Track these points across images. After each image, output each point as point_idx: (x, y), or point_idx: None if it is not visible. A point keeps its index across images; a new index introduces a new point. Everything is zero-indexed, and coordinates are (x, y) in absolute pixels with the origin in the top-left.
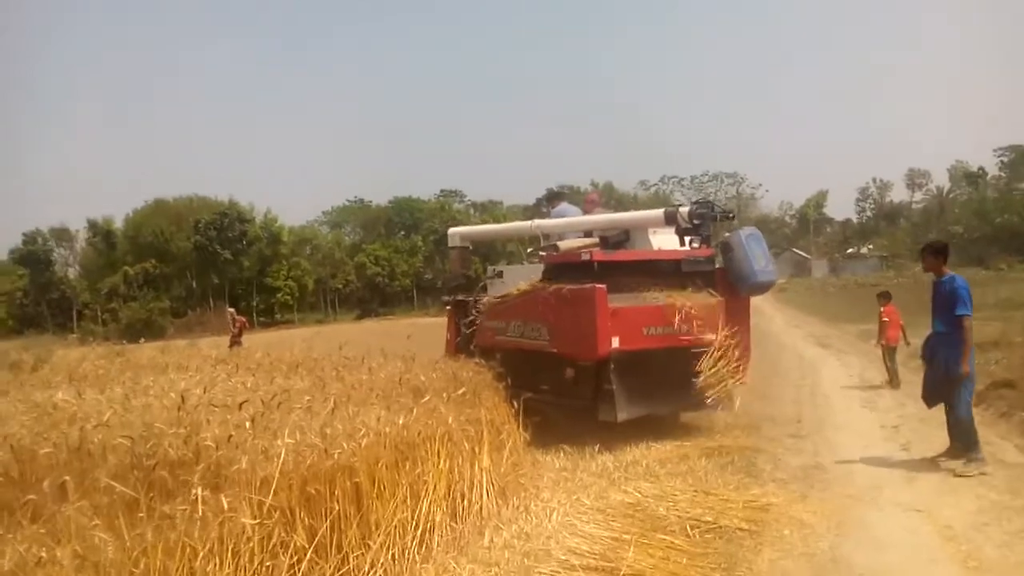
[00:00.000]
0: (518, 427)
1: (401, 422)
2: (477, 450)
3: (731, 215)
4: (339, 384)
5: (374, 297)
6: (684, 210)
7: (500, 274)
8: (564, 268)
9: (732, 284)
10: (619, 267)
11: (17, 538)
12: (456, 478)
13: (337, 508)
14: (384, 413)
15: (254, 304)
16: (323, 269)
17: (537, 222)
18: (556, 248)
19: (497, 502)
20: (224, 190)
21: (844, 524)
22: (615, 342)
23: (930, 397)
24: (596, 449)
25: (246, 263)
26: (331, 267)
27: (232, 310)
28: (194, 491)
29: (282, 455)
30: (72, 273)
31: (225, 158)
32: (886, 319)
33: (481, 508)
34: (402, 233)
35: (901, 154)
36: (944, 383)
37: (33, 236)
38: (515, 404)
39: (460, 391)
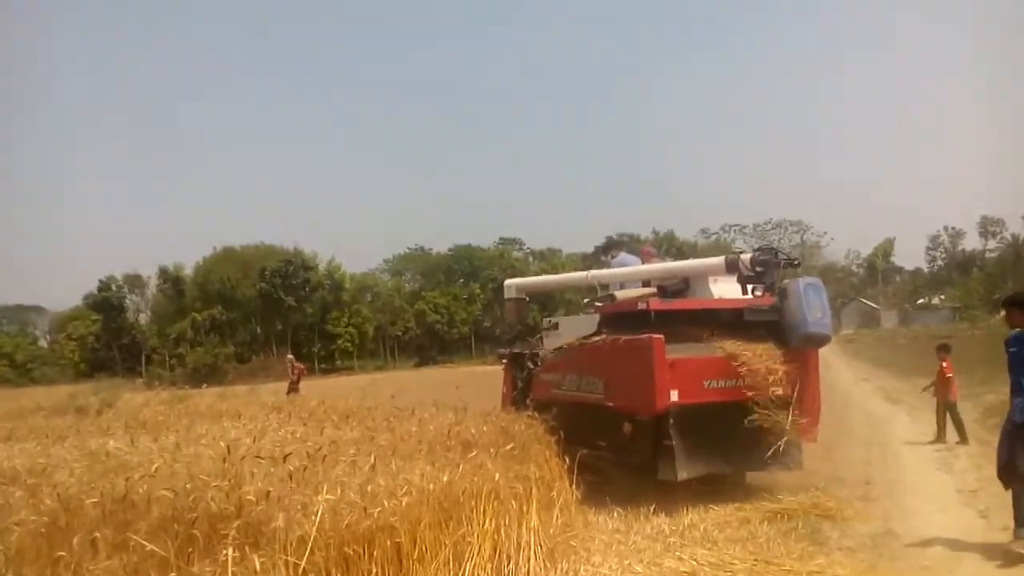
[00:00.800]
0: (570, 484)
1: (446, 479)
2: (525, 509)
3: (796, 262)
4: (388, 435)
5: (433, 344)
6: (746, 257)
7: (556, 325)
8: (620, 318)
9: (784, 333)
10: (678, 317)
11: None
12: (502, 539)
13: (375, 570)
14: (429, 469)
15: (315, 350)
16: (383, 316)
17: (593, 272)
18: (612, 298)
19: (545, 565)
20: (289, 238)
21: None
22: (674, 396)
23: (1009, 473)
24: (651, 510)
25: (309, 310)
26: (391, 314)
27: (291, 357)
28: (224, 552)
29: (319, 513)
30: (143, 319)
31: (291, 206)
32: (950, 374)
33: (528, 572)
34: (461, 281)
35: (974, 201)
36: None
37: (107, 283)
38: (569, 460)
39: (509, 446)
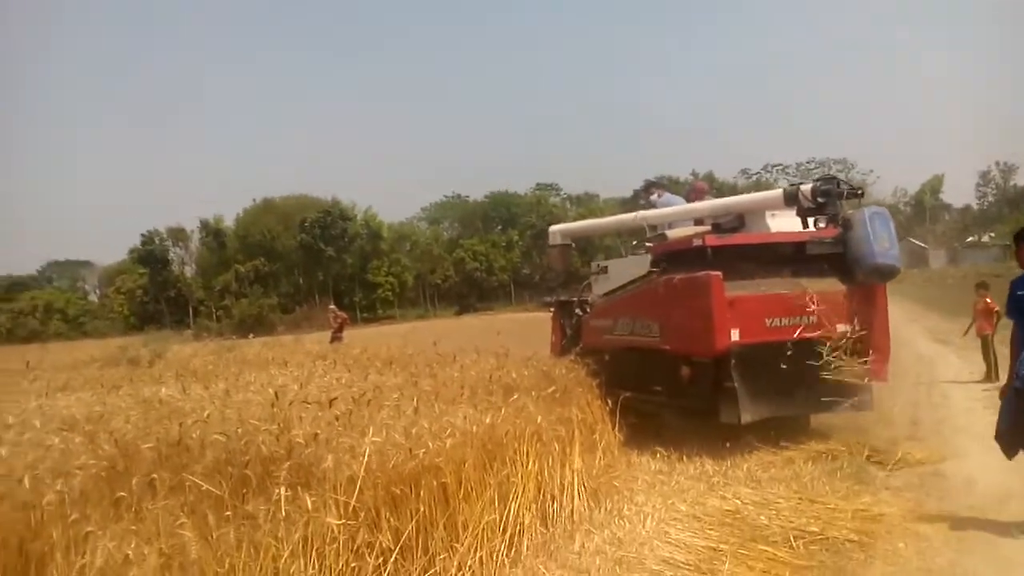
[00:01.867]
0: (612, 427)
1: (488, 421)
2: (568, 450)
3: (860, 191)
4: (430, 381)
5: (472, 292)
6: (806, 187)
7: (605, 269)
8: (674, 257)
9: (848, 267)
10: (736, 253)
11: (107, 535)
12: (546, 480)
13: (423, 509)
14: (471, 412)
15: (356, 300)
16: (422, 265)
17: (642, 213)
18: (664, 237)
19: (589, 505)
20: (327, 189)
21: (965, 539)
22: (734, 335)
23: (1009, 439)
24: (694, 451)
25: (349, 260)
26: (430, 263)
27: (333, 307)
28: (278, 490)
29: (366, 454)
30: (188, 271)
31: (328, 157)
32: (995, 307)
33: (572, 511)
34: (499, 228)
35: None
36: None
37: (151, 236)
38: (619, 406)
39: (551, 389)
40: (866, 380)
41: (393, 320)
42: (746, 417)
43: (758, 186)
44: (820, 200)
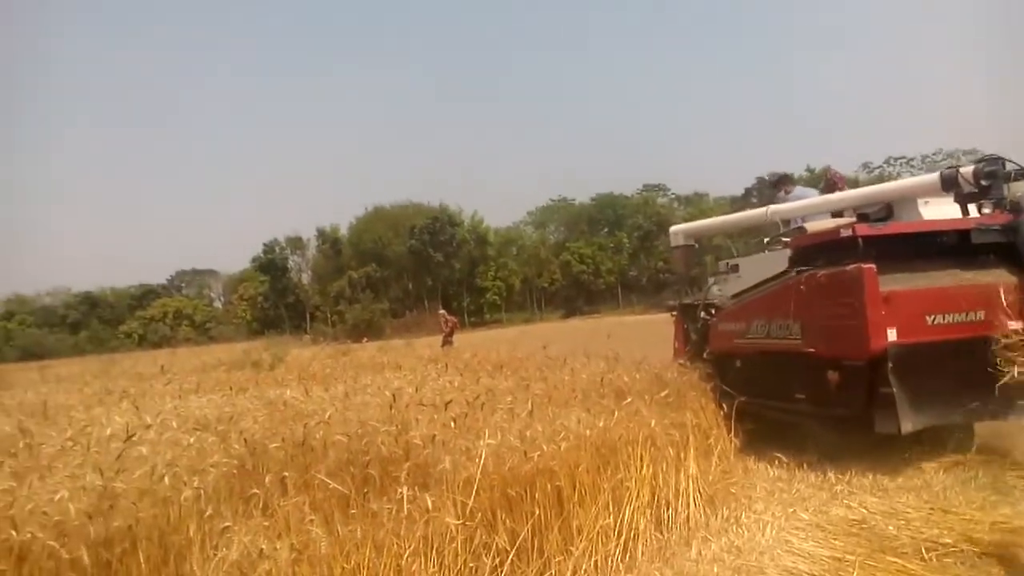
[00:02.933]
0: (728, 432)
1: (602, 424)
2: (683, 456)
3: None
4: (541, 384)
5: (579, 295)
6: (967, 170)
7: (735, 268)
8: (818, 250)
9: (1019, 256)
10: (889, 243)
11: (243, 530)
12: (660, 485)
13: (538, 512)
14: (584, 415)
15: (464, 304)
16: (529, 269)
17: (773, 208)
18: (803, 231)
19: (705, 511)
20: (435, 195)
21: None
22: (891, 334)
23: None
24: (816, 458)
25: (457, 265)
26: (536, 266)
27: (443, 311)
28: (400, 490)
29: (482, 456)
30: (305, 278)
31: (436, 164)
32: None
33: (688, 517)
34: (606, 230)
35: None
36: None
37: (272, 245)
38: (735, 410)
39: (664, 393)
40: None
41: (500, 324)
42: (907, 426)
43: (881, 180)
44: (984, 183)
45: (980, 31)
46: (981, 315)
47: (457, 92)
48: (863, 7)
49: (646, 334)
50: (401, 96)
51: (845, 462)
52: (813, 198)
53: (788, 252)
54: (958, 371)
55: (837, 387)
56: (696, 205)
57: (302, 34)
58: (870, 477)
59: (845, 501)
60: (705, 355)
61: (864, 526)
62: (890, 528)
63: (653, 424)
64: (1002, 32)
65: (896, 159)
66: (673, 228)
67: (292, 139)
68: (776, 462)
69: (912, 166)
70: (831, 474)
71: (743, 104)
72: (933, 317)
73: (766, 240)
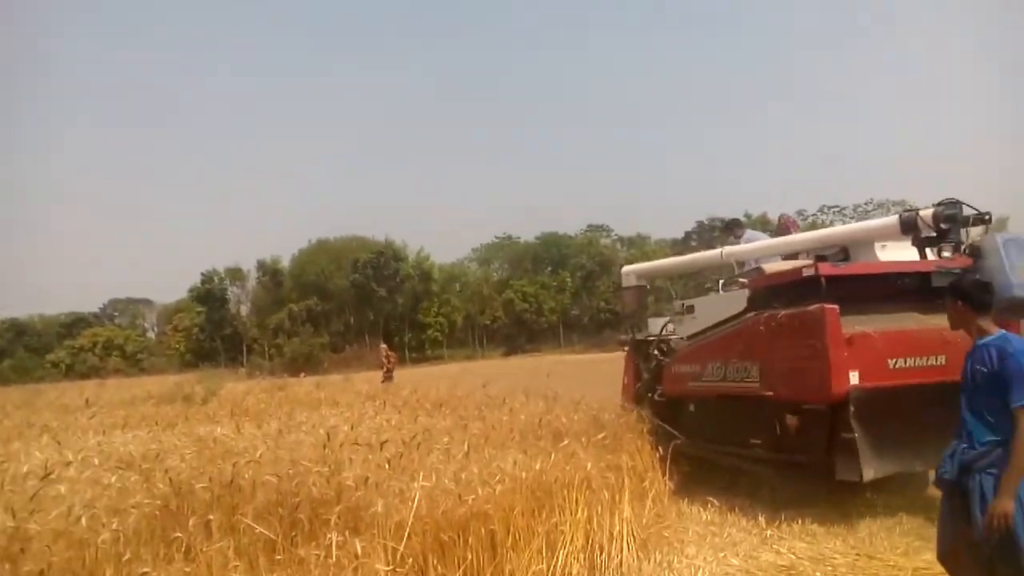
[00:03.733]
0: (663, 475)
1: (538, 467)
2: (618, 499)
3: (987, 216)
4: (479, 424)
5: (521, 333)
6: (927, 212)
7: (690, 309)
8: (777, 291)
9: None
10: (851, 284)
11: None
12: (595, 529)
13: (471, 557)
14: (521, 457)
15: (406, 340)
16: (472, 305)
17: (729, 249)
18: (761, 272)
19: (638, 556)
20: (380, 230)
21: None
22: (854, 377)
23: (953, 561)
24: (747, 502)
25: (400, 300)
26: (479, 303)
27: (384, 346)
28: (329, 535)
29: (416, 499)
30: (244, 310)
31: (382, 198)
32: None
33: (621, 562)
34: (549, 269)
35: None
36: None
37: (210, 275)
38: (670, 452)
39: (601, 435)
40: None
41: (441, 360)
42: (869, 473)
43: (814, 227)
44: (943, 226)
45: (910, 85)
46: (943, 360)
47: (406, 125)
48: (802, 58)
49: (586, 373)
50: (350, 129)
51: (776, 506)
52: (769, 240)
53: (746, 292)
54: (919, 417)
55: (796, 432)
56: (639, 247)
57: (254, 60)
58: (799, 522)
59: (775, 546)
60: (656, 396)
61: (792, 572)
62: (817, 574)
63: (589, 467)
64: (928, 87)
65: (829, 207)
66: (625, 268)
67: (236, 170)
68: (708, 505)
69: (844, 214)
70: (761, 518)
71: (684, 151)
72: (895, 361)
73: (721, 281)
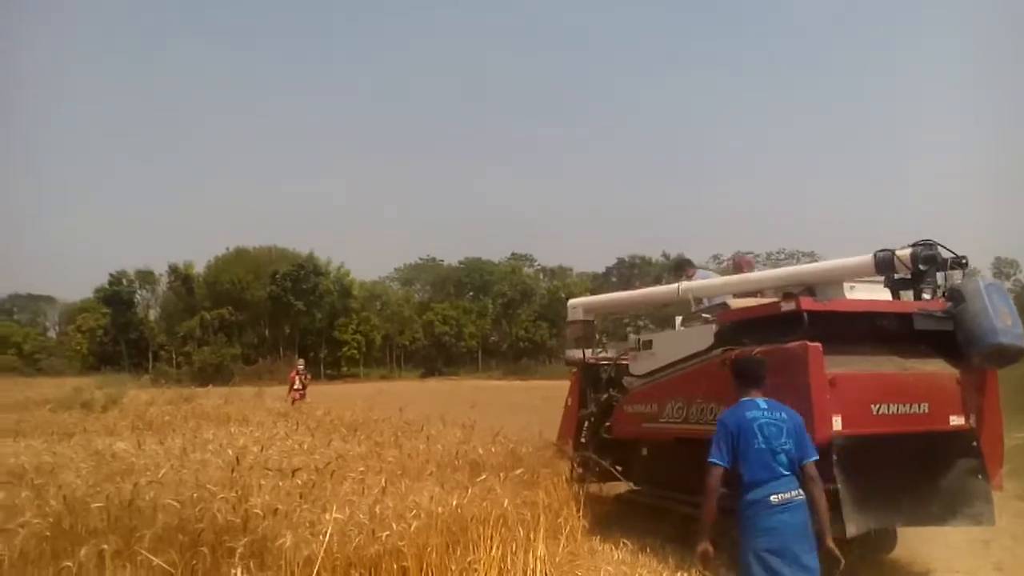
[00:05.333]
0: (578, 512)
1: (455, 503)
2: (532, 536)
3: (964, 260)
4: (396, 452)
5: (439, 356)
6: (904, 252)
7: (648, 344)
8: (748, 327)
9: (960, 347)
10: (832, 322)
11: None
12: (508, 567)
13: None
14: (438, 491)
15: (322, 356)
16: (391, 325)
17: (687, 284)
18: (725, 306)
19: None
20: (303, 242)
21: None
22: (837, 423)
23: None
24: (659, 543)
25: (318, 315)
26: (399, 324)
27: (301, 361)
28: (233, 570)
29: (327, 533)
30: (152, 315)
31: (306, 210)
32: None
33: None
34: (471, 294)
35: (989, 241)
36: None
37: (119, 277)
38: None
39: (519, 471)
40: (990, 487)
41: (357, 379)
42: (851, 529)
43: (722, 274)
44: (921, 267)
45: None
46: (926, 407)
47: (337, 140)
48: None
49: (505, 401)
50: (277, 139)
51: (687, 548)
52: (734, 276)
53: (712, 328)
54: (900, 469)
55: None
56: (560, 278)
57: (170, 63)
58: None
59: None
60: (604, 434)
61: None
62: None
63: (506, 503)
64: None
65: (744, 253)
66: (572, 302)
67: (156, 170)
68: (621, 544)
69: (758, 261)
70: (672, 560)
71: (613, 186)
72: (878, 407)
73: (679, 318)
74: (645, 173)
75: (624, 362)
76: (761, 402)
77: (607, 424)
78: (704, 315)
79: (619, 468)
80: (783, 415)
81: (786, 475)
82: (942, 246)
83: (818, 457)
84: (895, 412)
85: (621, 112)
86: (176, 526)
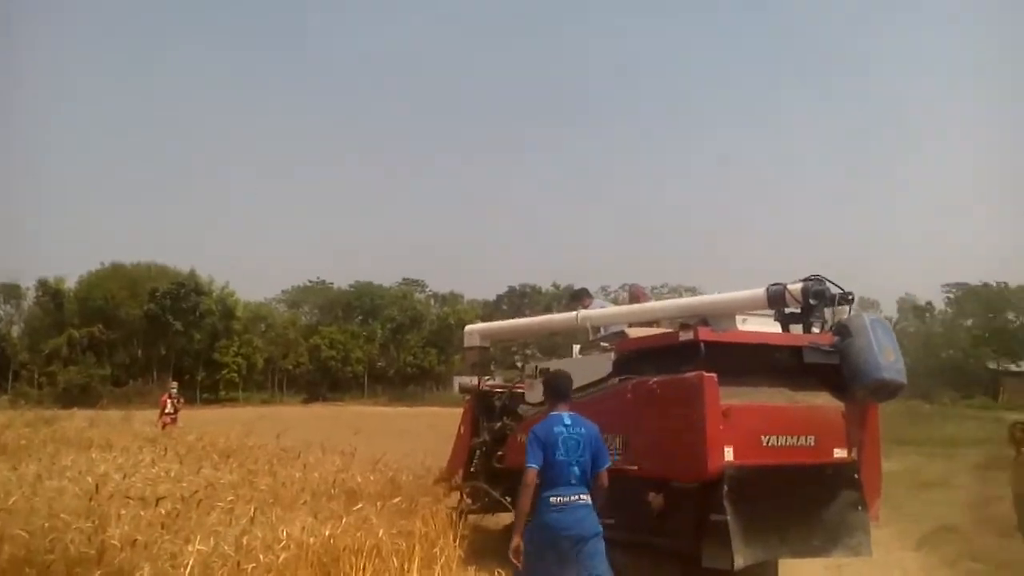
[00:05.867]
0: (454, 541)
1: (328, 533)
2: (407, 567)
3: (851, 296)
4: (269, 480)
5: (324, 380)
6: (795, 287)
7: (544, 372)
8: (646, 356)
9: (845, 381)
10: (726, 353)
11: None
12: None
13: None
14: (311, 521)
15: (199, 378)
16: (275, 348)
17: (585, 312)
18: (623, 334)
19: None
20: (186, 259)
21: None
22: (728, 454)
23: None
24: None
25: (197, 336)
26: (284, 347)
27: (175, 385)
28: None
29: (189, 565)
30: (15, 331)
31: (190, 226)
32: None
33: None
34: (360, 318)
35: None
36: None
37: None
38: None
39: (396, 499)
40: (869, 519)
41: (236, 403)
42: (739, 561)
43: (616, 304)
44: (812, 302)
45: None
46: (812, 440)
47: (223, 154)
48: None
49: (389, 428)
50: (155, 148)
51: None
52: (630, 306)
53: (610, 356)
54: (787, 500)
55: (660, 513)
56: (451, 304)
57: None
58: None
59: None
60: (496, 463)
61: None
62: None
63: (381, 533)
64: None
65: (631, 286)
66: (469, 328)
67: (29, 177)
68: (496, 574)
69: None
70: None
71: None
72: (768, 438)
73: (577, 346)
74: (537, 202)
75: (519, 390)
76: (566, 417)
77: (499, 453)
78: (602, 344)
79: (509, 499)
80: (583, 430)
81: (574, 484)
82: (830, 281)
83: (611, 464)
84: (784, 444)
85: (516, 139)
86: (23, 558)
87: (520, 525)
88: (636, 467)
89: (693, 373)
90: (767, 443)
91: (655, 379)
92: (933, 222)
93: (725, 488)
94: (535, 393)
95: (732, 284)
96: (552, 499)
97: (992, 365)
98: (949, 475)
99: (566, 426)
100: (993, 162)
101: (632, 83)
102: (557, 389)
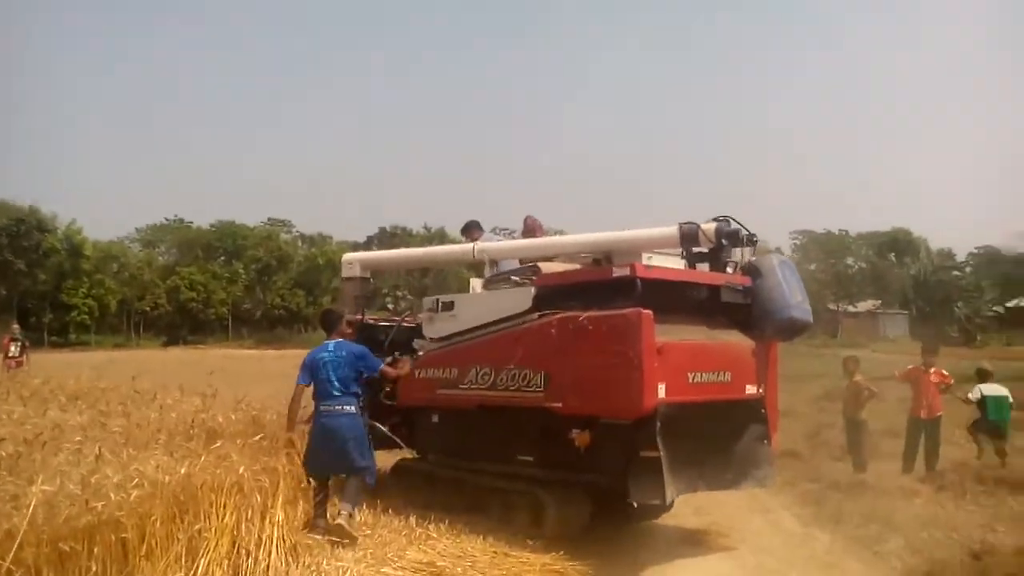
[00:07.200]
0: None
1: (184, 471)
2: (270, 503)
3: (755, 237)
4: (122, 421)
5: (185, 323)
6: (709, 227)
7: (448, 306)
8: (570, 292)
9: (755, 320)
10: (655, 291)
11: None
12: (243, 534)
13: (96, 568)
14: (166, 460)
15: (46, 321)
16: (130, 290)
17: (482, 245)
18: (536, 268)
19: (287, 560)
20: (27, 194)
21: None
22: (661, 391)
23: None
24: (400, 504)
25: (42, 276)
26: (139, 288)
27: (16, 326)
28: None
29: (31, 506)
30: None
31: (32, 157)
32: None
33: (268, 567)
34: (223, 258)
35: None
36: None
37: None
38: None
39: (258, 436)
40: (770, 452)
41: (87, 347)
42: (671, 493)
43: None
44: (724, 242)
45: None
46: (728, 377)
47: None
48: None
49: (254, 370)
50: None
51: (427, 508)
52: (533, 240)
53: (528, 291)
54: (705, 436)
55: (585, 450)
56: (319, 246)
57: None
58: (447, 522)
59: (421, 546)
60: (386, 400)
61: (434, 569)
62: (458, 570)
63: (242, 470)
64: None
65: (502, 229)
66: (347, 256)
67: None
68: (365, 507)
69: (514, 236)
70: (412, 519)
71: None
72: (694, 375)
73: (481, 279)
74: (411, 144)
75: (408, 324)
76: (331, 344)
77: (387, 389)
78: (514, 278)
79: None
80: (343, 353)
81: (336, 396)
82: (737, 222)
83: (377, 370)
84: (706, 380)
85: (391, 78)
86: None
87: (290, 426)
88: (560, 404)
89: (631, 309)
90: (693, 380)
91: (587, 315)
92: (784, 172)
93: (658, 425)
94: (436, 327)
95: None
96: (322, 407)
97: (832, 307)
98: (791, 406)
99: (329, 351)
100: (839, 114)
101: None
102: (325, 323)
